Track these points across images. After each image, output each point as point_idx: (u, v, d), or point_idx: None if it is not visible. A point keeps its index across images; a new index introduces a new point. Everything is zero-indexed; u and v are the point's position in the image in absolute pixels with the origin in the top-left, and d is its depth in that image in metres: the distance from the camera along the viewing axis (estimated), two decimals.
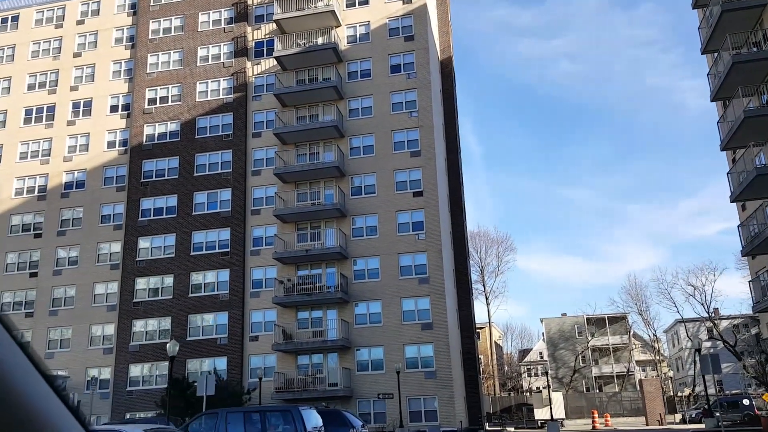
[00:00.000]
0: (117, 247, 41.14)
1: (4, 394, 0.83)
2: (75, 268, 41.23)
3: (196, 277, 39.56)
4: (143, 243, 40.69)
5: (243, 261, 39.25)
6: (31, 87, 45.42)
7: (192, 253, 39.94)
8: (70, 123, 44.01)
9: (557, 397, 53.52)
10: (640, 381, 51.49)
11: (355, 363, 36.57)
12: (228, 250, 39.55)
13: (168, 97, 42.99)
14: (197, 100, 42.51)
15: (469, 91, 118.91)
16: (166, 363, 37.05)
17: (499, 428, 46.85)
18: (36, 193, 43.19)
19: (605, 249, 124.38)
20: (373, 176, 39.29)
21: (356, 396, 35.87)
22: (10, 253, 42.19)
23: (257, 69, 42.49)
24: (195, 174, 41.28)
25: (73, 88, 44.69)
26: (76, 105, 44.41)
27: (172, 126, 42.39)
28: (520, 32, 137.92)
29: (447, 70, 47.06)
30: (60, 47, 45.62)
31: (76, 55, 45.23)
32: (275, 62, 41.79)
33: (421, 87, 39.88)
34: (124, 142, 43.05)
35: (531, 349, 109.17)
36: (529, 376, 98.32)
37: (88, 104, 44.15)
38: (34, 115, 44.79)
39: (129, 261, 40.40)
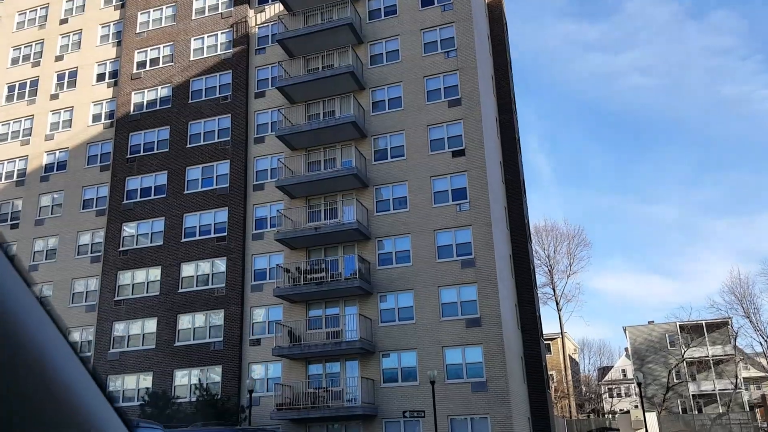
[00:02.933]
0: (99, 236, 34.36)
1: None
2: (52, 262, 34.68)
3: (188, 269, 32.13)
4: (128, 230, 33.72)
5: (243, 247, 31.57)
6: (14, 61, 39.85)
7: (183, 240, 32.60)
8: (54, 97, 37.98)
9: (651, 420, 43.08)
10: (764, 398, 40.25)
11: (381, 372, 27.99)
12: (225, 234, 32.00)
13: (159, 58, 36.26)
14: (191, 59, 35.55)
15: (535, 110, 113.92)
16: (150, 374, 29.66)
17: None
18: (15, 178, 37.19)
19: (686, 267, 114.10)
20: (401, 135, 30.95)
21: (382, 415, 27.23)
22: None
23: (260, 17, 35.18)
24: (188, 145, 34.14)
25: (59, 58, 38.74)
26: (60, 77, 38.41)
27: (163, 91, 35.53)
28: (588, 47, 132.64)
29: (496, 14, 38.41)
30: (46, 15, 39.93)
31: (63, 21, 39.36)
32: (281, 7, 34.39)
33: (460, 20, 31.41)
34: (110, 115, 36.56)
35: (611, 367, 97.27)
36: (611, 397, 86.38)
37: (73, 75, 38.06)
38: (16, 91, 39.10)
39: (111, 252, 33.46)
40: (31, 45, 39.72)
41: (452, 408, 26.41)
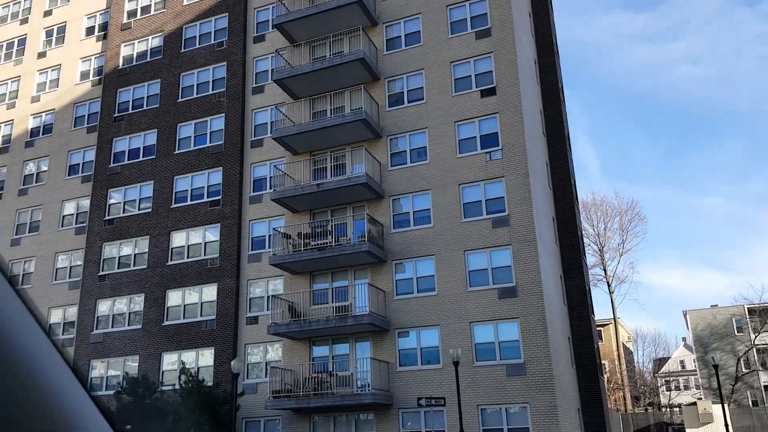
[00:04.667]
0: (85, 204, 30.64)
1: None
2: (35, 235, 31.17)
3: (178, 238, 28.07)
4: (115, 197, 29.88)
5: (239, 212, 27.32)
6: (2, 20, 36.58)
7: (174, 206, 28.55)
8: (41, 55, 34.52)
9: (719, 413, 37.29)
10: None
11: (397, 354, 23.31)
12: (219, 198, 27.81)
13: (150, 6, 32.30)
14: (185, 3, 31.45)
15: (581, 103, 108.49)
16: (137, 358, 25.78)
17: None
18: None
19: (739, 260, 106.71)
20: (420, 75, 26.13)
21: (397, 404, 22.57)
22: None
23: None
24: (180, 99, 30.07)
25: (47, 14, 35.28)
26: (49, 33, 34.93)
27: (154, 42, 31.55)
28: (635, 38, 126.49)
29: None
30: None
31: None
32: None
33: None
34: (98, 71, 32.83)
35: (668, 358, 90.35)
36: (668, 390, 79.68)
37: (62, 30, 34.52)
38: (3, 51, 35.88)
39: (96, 221, 29.68)
40: (20, 2, 36.38)
41: (482, 396, 21.56)
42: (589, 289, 30.57)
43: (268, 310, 25.28)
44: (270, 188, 27.08)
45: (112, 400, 24.30)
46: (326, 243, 24.25)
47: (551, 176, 28.66)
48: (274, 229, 25.63)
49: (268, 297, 25.42)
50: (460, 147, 24.76)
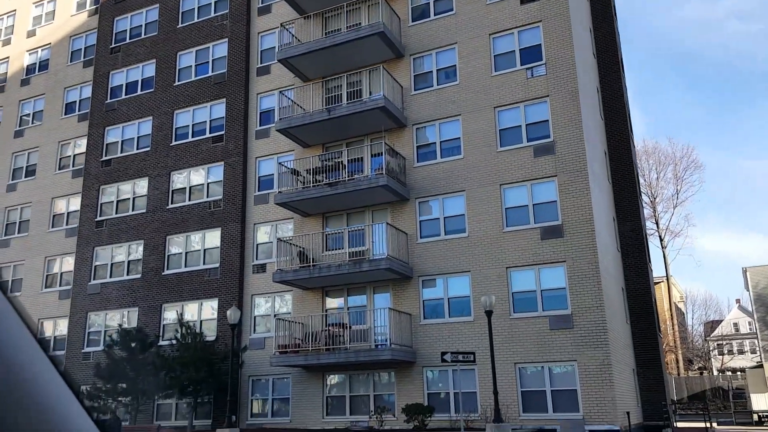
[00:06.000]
0: (82, 145, 27.99)
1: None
2: (32, 180, 28.76)
3: (179, 179, 25.19)
4: (112, 135, 27.10)
5: (244, 148, 24.20)
6: None
7: (174, 143, 25.61)
8: None
9: None
10: None
11: (421, 305, 20.08)
12: (222, 133, 24.72)
13: None
14: None
15: (629, 61, 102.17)
16: (136, 310, 23.26)
17: (699, 426, 27.81)
18: None
19: None
20: None
21: (422, 361, 19.42)
22: None
23: None
24: (180, 25, 26.87)
25: None
26: None
27: None
28: None
29: None
30: None
31: None
32: None
33: None
34: (95, 0, 29.81)
35: (721, 321, 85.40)
36: (720, 354, 75.03)
37: None
38: None
39: (93, 162, 27.01)
40: None
41: (521, 352, 18.21)
42: (646, 237, 26.69)
43: (276, 257, 22.24)
44: (278, 121, 23.79)
45: (101, 355, 21.86)
46: (339, 179, 20.93)
47: (602, 105, 24.65)
48: (279, 163, 22.43)
49: (277, 243, 22.35)
50: (496, 63, 20.97)
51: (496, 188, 19.87)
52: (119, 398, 20.88)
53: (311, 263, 20.86)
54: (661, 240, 48.81)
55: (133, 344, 21.04)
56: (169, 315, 23.53)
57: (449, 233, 20.30)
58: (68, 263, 26.66)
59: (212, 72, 25.54)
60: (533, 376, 18.08)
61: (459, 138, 20.86)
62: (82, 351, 24.57)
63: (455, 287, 19.75)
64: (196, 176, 24.80)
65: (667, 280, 50.47)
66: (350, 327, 20.10)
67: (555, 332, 17.91)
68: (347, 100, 22.51)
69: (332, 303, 21.54)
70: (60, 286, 26.59)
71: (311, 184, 21.19)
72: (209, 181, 24.52)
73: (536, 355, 17.98)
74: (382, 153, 20.86)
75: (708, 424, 26.40)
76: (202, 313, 23.13)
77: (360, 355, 18.81)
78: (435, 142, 21.25)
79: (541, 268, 18.71)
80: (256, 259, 23.09)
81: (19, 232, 28.26)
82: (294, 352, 19.72)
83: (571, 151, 19.21)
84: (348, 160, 21.55)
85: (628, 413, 18.22)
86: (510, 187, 19.79)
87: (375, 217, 21.45)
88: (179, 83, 26.07)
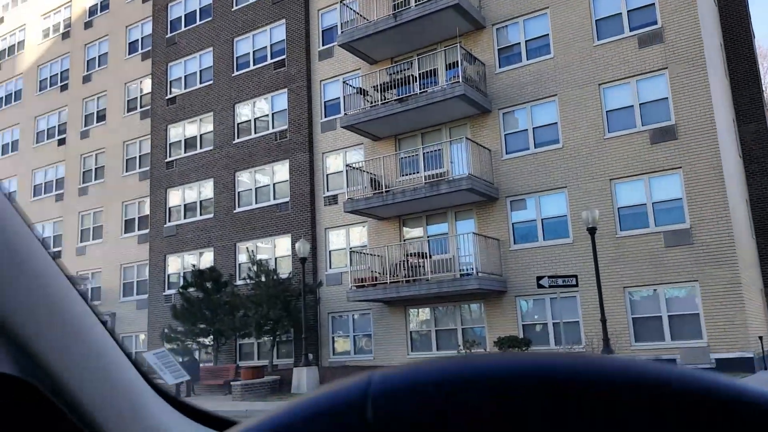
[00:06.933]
0: (147, 85, 27.12)
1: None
2: (103, 125, 28.34)
3: (244, 111, 23.80)
4: (175, 72, 25.98)
5: (307, 72, 22.36)
6: None
7: (236, 73, 24.14)
8: None
9: None
10: None
11: (510, 229, 17.90)
12: (284, 57, 22.94)
13: None
14: None
15: None
16: (211, 250, 22.57)
17: None
18: (61, 31, 31.00)
19: None
20: None
21: (513, 290, 17.37)
22: (41, 119, 30.81)
23: None
24: None
25: None
26: None
27: None
28: None
29: None
30: None
31: None
32: None
33: None
34: None
35: None
36: None
37: None
38: None
39: (159, 101, 26.10)
40: None
41: (631, 274, 15.77)
42: None
43: (348, 187, 20.52)
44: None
45: (176, 297, 21.24)
46: (410, 94, 18.71)
47: None
48: (344, 82, 20.43)
49: (348, 172, 20.58)
50: None
51: (595, 89, 17.07)
52: (198, 339, 20.27)
53: (384, 190, 19.01)
54: None
55: (207, 284, 20.23)
56: (244, 254, 22.56)
57: (540, 146, 17.80)
58: (144, 207, 26.21)
59: None
60: (646, 301, 15.65)
61: (547, 35, 18.05)
62: (164, 294, 24.19)
63: (549, 206, 17.38)
64: (261, 107, 23.31)
65: None
66: (431, 257, 18.25)
67: (671, 250, 15.31)
68: (415, 2, 20.00)
69: (410, 233, 19.72)
70: (138, 230, 26.24)
71: (380, 102, 19.13)
72: (274, 111, 22.96)
73: (649, 277, 15.50)
74: (457, 62, 18.35)
75: None
76: (276, 250, 21.98)
77: (444, 286, 16.98)
78: (519, 43, 18.54)
79: (651, 177, 15.99)
80: (327, 190, 21.52)
81: (95, 179, 28.07)
82: (372, 285, 18.17)
83: (684, 38, 16.06)
84: (419, 74, 19.25)
85: (760, 338, 15.56)
86: (611, 86, 16.94)
87: (453, 135, 19.20)
88: (237, 7, 24.37)
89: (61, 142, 29.55)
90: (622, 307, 15.69)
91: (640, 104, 16.44)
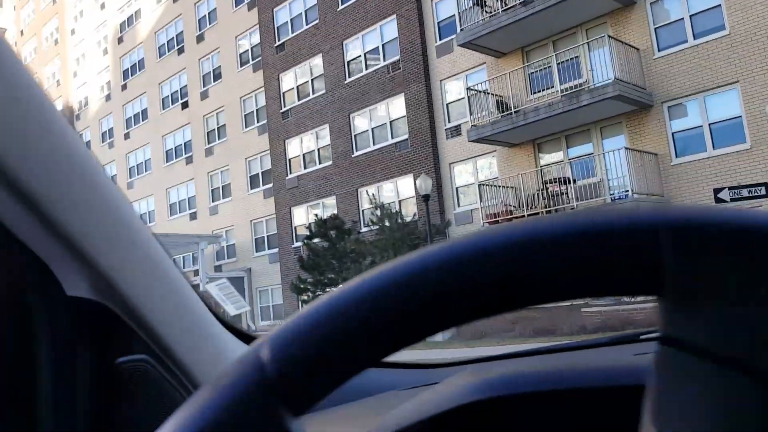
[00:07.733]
0: (256, 37, 26.31)
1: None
2: (219, 83, 28.11)
3: (353, 47, 22.21)
4: (281, 16, 24.89)
5: None
6: None
7: (341, 7, 22.52)
8: None
9: None
10: None
11: (669, 140, 14.96)
12: None
13: None
14: None
15: None
16: (333, 197, 21.88)
17: None
18: None
19: None
20: None
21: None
22: (164, 84, 31.34)
23: None
24: None
25: None
26: None
27: None
28: None
29: None
30: None
31: None
32: None
33: None
34: None
35: None
36: None
37: None
38: None
39: (268, 50, 25.21)
40: None
41: None
42: None
43: (471, 115, 18.38)
44: None
45: (303, 249, 20.52)
46: None
47: None
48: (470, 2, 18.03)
49: (468, 99, 18.39)
50: None
51: None
52: (327, 290, 19.47)
53: (513, 111, 16.67)
54: None
55: (331, 233, 19.26)
56: (366, 199, 21.32)
57: (699, 35, 14.55)
58: (266, 161, 25.76)
59: None
60: None
61: None
62: (293, 246, 23.71)
63: (717, 108, 14.22)
64: (370, 40, 21.58)
65: None
66: (575, 181, 15.80)
67: None
68: None
69: (547, 159, 17.30)
70: (263, 185, 25.92)
71: (501, 10, 16.63)
72: (384, 41, 21.14)
73: None
74: None
75: None
76: (399, 192, 20.48)
77: None
78: None
79: None
80: (449, 121, 19.51)
81: (219, 138, 28.07)
82: (506, 219, 16.11)
83: None
84: None
85: None
86: None
87: (591, 36, 16.32)
88: None
89: (185, 105, 29.83)
90: None
91: None
